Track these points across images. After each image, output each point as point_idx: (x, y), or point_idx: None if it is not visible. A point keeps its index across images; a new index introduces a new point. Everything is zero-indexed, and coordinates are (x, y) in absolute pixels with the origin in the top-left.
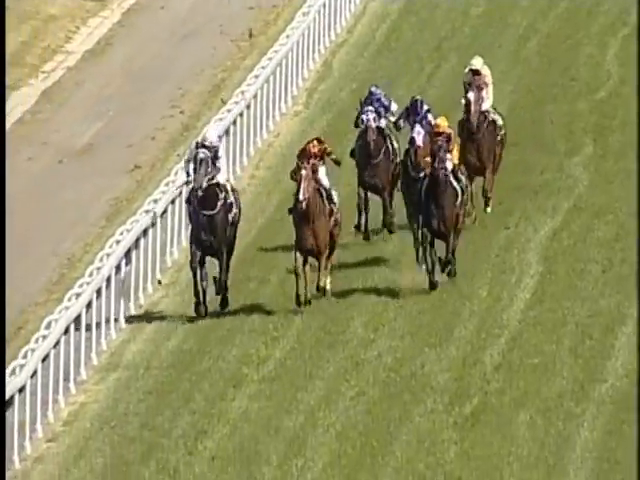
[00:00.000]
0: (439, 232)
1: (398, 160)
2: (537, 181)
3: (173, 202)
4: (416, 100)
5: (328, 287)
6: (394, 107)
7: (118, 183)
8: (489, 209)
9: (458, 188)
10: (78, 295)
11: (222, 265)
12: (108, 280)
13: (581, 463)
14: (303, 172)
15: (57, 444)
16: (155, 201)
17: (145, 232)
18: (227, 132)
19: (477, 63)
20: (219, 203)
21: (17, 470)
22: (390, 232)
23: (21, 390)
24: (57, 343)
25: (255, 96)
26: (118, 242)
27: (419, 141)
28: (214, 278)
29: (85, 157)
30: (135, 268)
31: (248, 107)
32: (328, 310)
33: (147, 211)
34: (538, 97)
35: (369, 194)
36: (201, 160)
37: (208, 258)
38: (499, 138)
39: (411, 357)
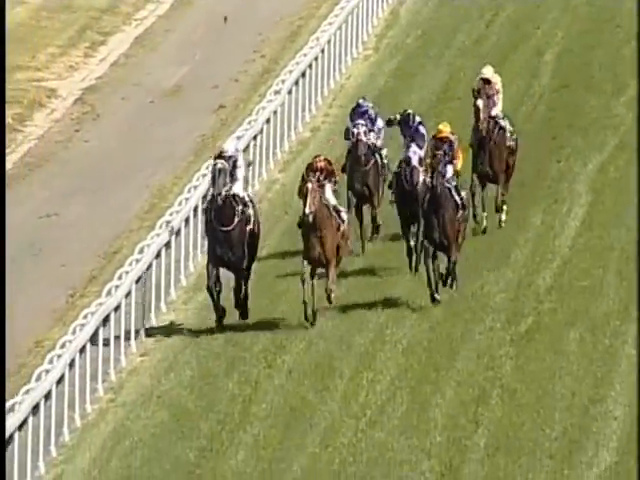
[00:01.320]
0: (440, 244)
1: (385, 175)
2: (586, 119)
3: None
4: (408, 114)
5: (333, 297)
6: (380, 123)
7: (204, 121)
8: (503, 216)
9: (459, 201)
10: (168, 222)
11: (239, 280)
12: (195, 210)
13: (626, 376)
14: (309, 185)
15: (149, 358)
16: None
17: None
18: (303, 75)
19: (488, 72)
20: (236, 219)
21: (113, 382)
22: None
23: (116, 309)
24: (149, 266)
25: (329, 42)
26: (204, 176)
27: (415, 161)
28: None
29: (174, 98)
30: None
31: (322, 52)
32: (392, 246)
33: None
34: (586, 42)
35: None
36: (219, 170)
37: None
38: (509, 144)
39: (471, 279)
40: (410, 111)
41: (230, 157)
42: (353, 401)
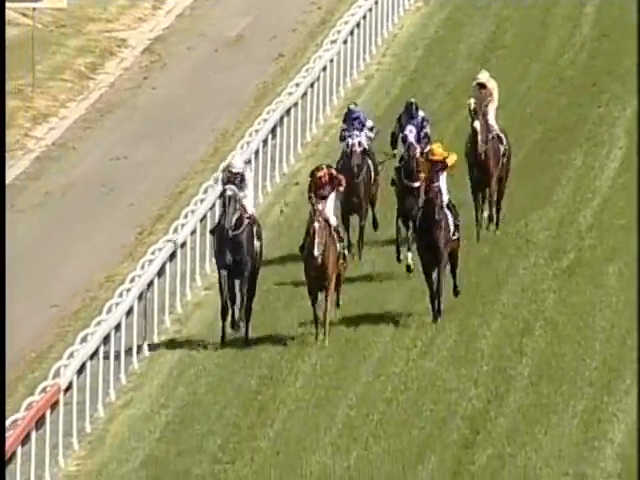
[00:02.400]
0: (431, 261)
1: (376, 180)
2: (625, 67)
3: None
4: (411, 104)
5: (322, 336)
6: (369, 124)
7: (264, 69)
8: (498, 230)
9: (451, 220)
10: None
11: (247, 290)
12: (256, 153)
13: None
14: (316, 225)
15: (213, 292)
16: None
17: (288, 112)
18: (358, 25)
19: (483, 77)
20: (244, 223)
21: (179, 314)
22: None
23: (183, 246)
24: (212, 206)
25: None
26: (265, 121)
27: (411, 138)
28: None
29: (236, 47)
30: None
31: (376, 3)
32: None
33: (290, 93)
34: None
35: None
36: (229, 198)
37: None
38: (501, 157)
39: (516, 218)
40: (412, 100)
41: (237, 174)
42: (404, 334)
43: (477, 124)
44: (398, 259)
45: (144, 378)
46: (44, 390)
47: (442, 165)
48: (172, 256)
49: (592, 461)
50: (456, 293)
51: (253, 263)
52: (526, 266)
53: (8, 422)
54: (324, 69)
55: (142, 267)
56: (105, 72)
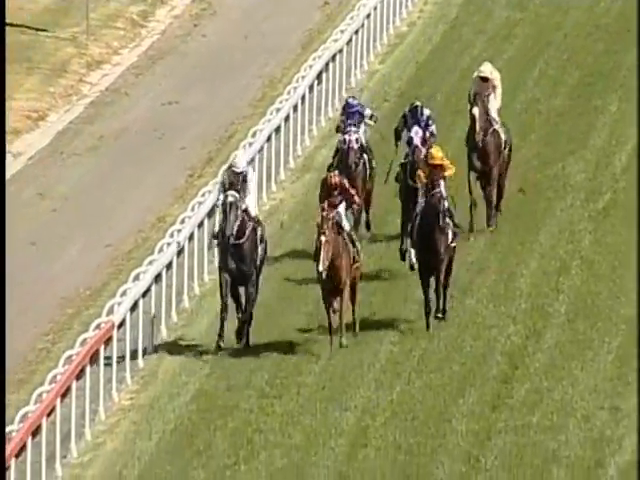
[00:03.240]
0: (431, 268)
1: (373, 175)
2: None
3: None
4: (416, 106)
5: (344, 341)
6: (368, 112)
7: (311, 17)
8: (491, 228)
9: (451, 227)
10: (278, 110)
11: (249, 297)
12: (303, 98)
13: None
14: (323, 238)
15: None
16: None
17: (333, 58)
18: None
19: (486, 69)
20: (247, 231)
21: None
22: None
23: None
24: (261, 149)
25: None
26: (311, 67)
27: (417, 141)
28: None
29: None
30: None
31: None
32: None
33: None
34: None
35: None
36: (230, 204)
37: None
38: (502, 151)
39: (554, 161)
40: (418, 103)
41: (240, 173)
42: None
43: (476, 111)
44: (402, 258)
45: (194, 315)
46: (98, 327)
47: (441, 169)
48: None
49: (626, 396)
50: (443, 313)
51: (257, 271)
52: (563, 207)
53: (63, 358)
54: (368, 16)
55: (192, 209)
56: (156, 20)
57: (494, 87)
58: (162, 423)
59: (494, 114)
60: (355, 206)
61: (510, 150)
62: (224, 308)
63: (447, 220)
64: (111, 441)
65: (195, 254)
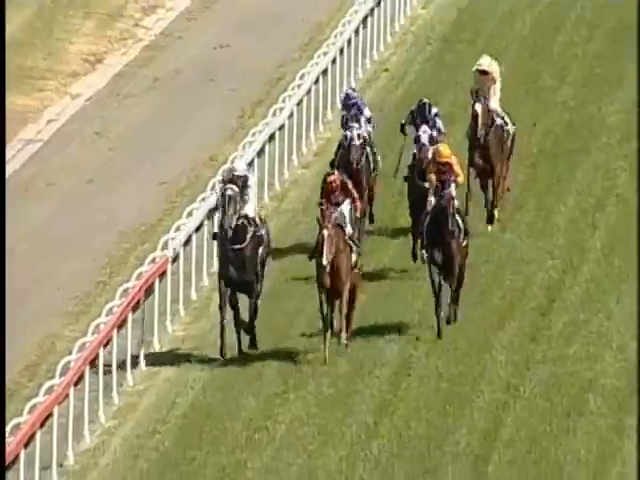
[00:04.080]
0: (442, 271)
1: (377, 170)
2: None
3: None
4: (424, 103)
5: (344, 341)
6: (367, 113)
7: None
8: (496, 213)
9: (462, 226)
10: (325, 53)
11: (251, 303)
12: (349, 42)
13: None
14: (325, 233)
15: (309, 171)
16: None
17: (379, 3)
18: None
19: (484, 62)
20: (248, 236)
21: (277, 190)
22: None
23: (281, 128)
24: (309, 91)
25: None
26: (356, 12)
27: (424, 139)
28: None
29: None
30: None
31: None
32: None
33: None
34: None
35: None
36: (229, 197)
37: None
38: (506, 143)
39: (590, 101)
40: (426, 100)
41: (240, 177)
42: (482, 212)
43: (478, 107)
44: (414, 258)
45: None
46: (153, 261)
47: (450, 167)
48: (271, 138)
49: None
50: (454, 318)
51: (258, 278)
52: (599, 146)
53: (120, 290)
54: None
55: (243, 148)
56: None
57: (493, 80)
58: (214, 353)
59: (496, 106)
60: (357, 210)
61: (513, 141)
62: (222, 319)
63: (458, 221)
64: (165, 370)
65: None
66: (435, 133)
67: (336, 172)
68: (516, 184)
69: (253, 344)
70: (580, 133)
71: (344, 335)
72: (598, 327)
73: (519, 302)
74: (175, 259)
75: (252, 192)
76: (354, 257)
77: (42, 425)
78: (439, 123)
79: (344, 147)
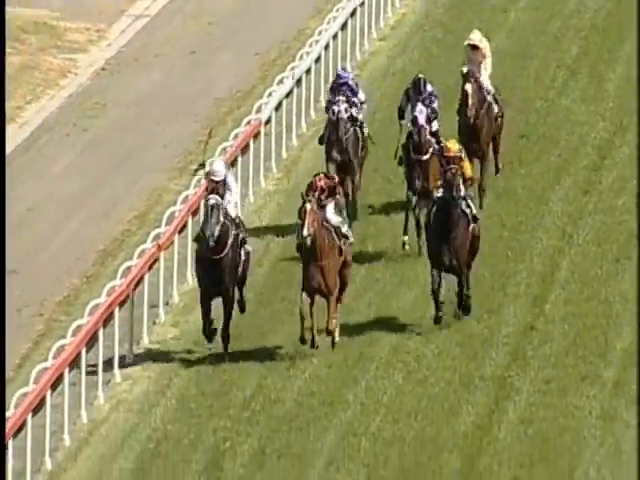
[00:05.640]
0: (450, 266)
1: (365, 147)
2: None
3: None
4: (419, 79)
5: (337, 335)
6: (362, 96)
7: None
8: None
9: (470, 215)
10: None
11: (226, 309)
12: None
13: None
14: (307, 206)
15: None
16: None
17: None
18: None
19: (475, 37)
20: (228, 242)
21: None
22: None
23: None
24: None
25: None
26: None
27: (422, 120)
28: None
29: None
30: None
31: None
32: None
33: None
34: None
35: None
36: (212, 207)
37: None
38: (496, 119)
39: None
40: (421, 76)
41: (219, 182)
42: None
43: (468, 87)
44: (405, 231)
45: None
46: (248, 123)
47: (457, 161)
48: (352, 13)
49: None
50: (466, 308)
51: (235, 285)
52: None
53: (219, 148)
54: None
55: (328, 22)
56: None
57: (484, 55)
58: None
59: (487, 84)
60: (338, 196)
61: (502, 118)
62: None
63: (464, 209)
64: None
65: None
66: (429, 112)
67: (322, 175)
68: (570, 56)
69: (225, 347)
70: (629, 7)
71: (334, 335)
72: None
73: (573, 159)
74: (267, 121)
75: (233, 193)
76: (342, 258)
77: (150, 268)
78: (434, 102)
79: (332, 123)
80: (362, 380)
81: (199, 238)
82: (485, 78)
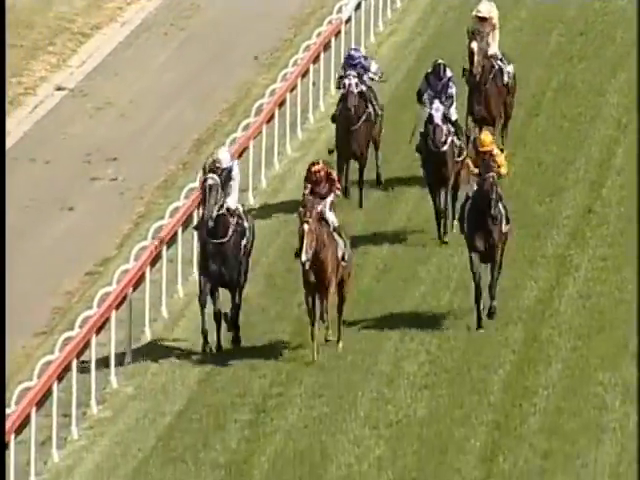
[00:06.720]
0: (484, 259)
1: (379, 122)
2: None
3: None
4: (439, 64)
5: (340, 345)
6: (374, 68)
7: None
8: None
9: (503, 211)
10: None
11: (234, 298)
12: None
13: None
14: (305, 227)
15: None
16: None
17: None
18: None
19: (483, 8)
20: (230, 229)
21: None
22: (360, 206)
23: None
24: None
25: None
26: None
27: (437, 119)
28: (224, 314)
29: None
30: None
31: None
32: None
33: None
34: None
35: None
36: (210, 187)
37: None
38: (507, 84)
39: None
40: (441, 61)
41: (224, 169)
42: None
43: (474, 45)
44: (439, 235)
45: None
46: (330, 22)
47: (491, 155)
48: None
49: None
50: (489, 313)
51: (240, 274)
52: None
53: (303, 46)
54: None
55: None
56: None
57: (493, 26)
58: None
59: (496, 50)
60: (337, 192)
61: (514, 85)
62: (203, 315)
63: (500, 207)
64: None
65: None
66: (447, 104)
67: (320, 162)
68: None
69: (236, 339)
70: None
71: (330, 331)
72: None
73: (628, 55)
74: (348, 20)
75: (236, 184)
76: (340, 252)
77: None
78: (452, 89)
79: (342, 97)
80: None
81: (199, 225)
82: (494, 46)
